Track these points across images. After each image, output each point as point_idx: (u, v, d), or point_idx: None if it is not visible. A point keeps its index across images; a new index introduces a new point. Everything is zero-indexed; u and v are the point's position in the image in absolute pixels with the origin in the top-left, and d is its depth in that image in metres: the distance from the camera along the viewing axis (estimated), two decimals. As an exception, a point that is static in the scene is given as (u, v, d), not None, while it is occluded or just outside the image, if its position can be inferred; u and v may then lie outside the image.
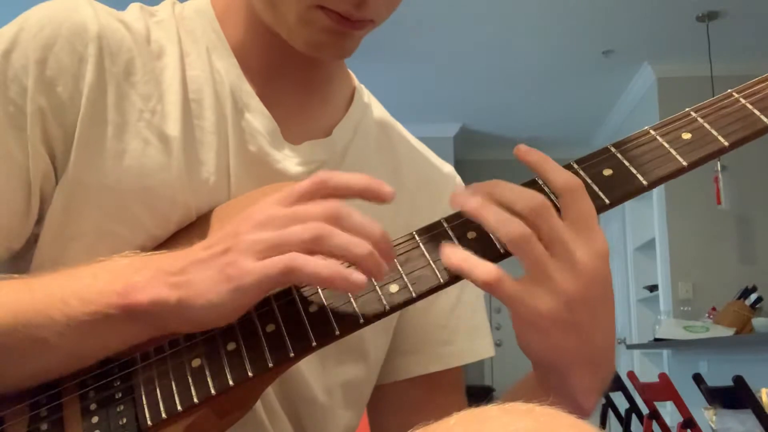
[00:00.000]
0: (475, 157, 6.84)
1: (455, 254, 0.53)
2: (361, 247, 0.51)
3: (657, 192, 5.00)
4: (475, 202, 0.53)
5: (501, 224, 0.52)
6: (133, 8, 0.69)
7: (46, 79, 0.61)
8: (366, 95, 0.78)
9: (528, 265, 0.52)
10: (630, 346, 5.46)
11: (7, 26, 0.64)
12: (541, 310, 0.51)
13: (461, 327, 0.77)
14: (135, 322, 0.53)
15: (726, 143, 0.55)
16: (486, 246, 0.54)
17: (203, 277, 0.52)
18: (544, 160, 0.55)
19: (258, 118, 0.67)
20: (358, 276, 0.51)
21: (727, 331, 4.03)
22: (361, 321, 0.54)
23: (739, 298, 4.31)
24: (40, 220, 0.63)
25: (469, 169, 6.56)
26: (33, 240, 0.63)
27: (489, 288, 0.52)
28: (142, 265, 0.55)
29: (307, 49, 0.64)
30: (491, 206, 0.53)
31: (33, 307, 0.54)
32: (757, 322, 3.82)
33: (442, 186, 0.81)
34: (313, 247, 0.51)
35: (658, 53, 4.95)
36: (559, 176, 0.54)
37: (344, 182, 0.55)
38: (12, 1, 4.02)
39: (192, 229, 0.64)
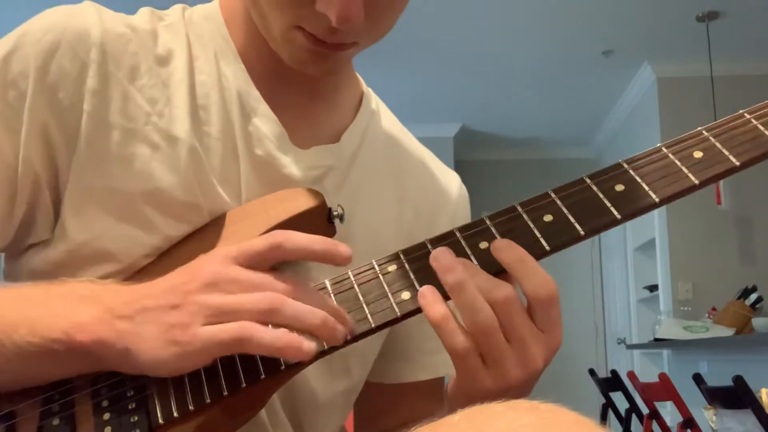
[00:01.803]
0: (475, 157, 6.84)
1: (437, 308, 0.53)
2: (314, 316, 0.52)
3: (657, 192, 4.99)
4: (456, 277, 0.53)
5: (471, 309, 0.52)
6: (143, 12, 0.69)
7: (47, 85, 0.61)
8: (374, 101, 0.78)
9: (486, 351, 0.52)
10: (630, 346, 5.46)
11: (13, 31, 0.64)
12: (485, 388, 0.52)
13: None
14: (77, 359, 0.54)
15: (737, 163, 0.56)
16: (495, 260, 0.55)
17: (150, 332, 0.52)
18: (518, 262, 0.53)
19: (265, 123, 0.67)
20: (309, 344, 0.51)
21: (727, 331, 4.03)
22: (372, 327, 0.55)
23: (739, 298, 4.31)
24: (31, 224, 0.63)
25: (469, 169, 6.57)
26: (43, 243, 0.64)
27: (454, 357, 0.53)
28: (94, 299, 0.55)
29: (292, 64, 0.65)
30: (469, 287, 0.52)
31: None
32: (757, 322, 3.82)
33: (446, 197, 0.80)
34: (267, 318, 0.52)
35: (658, 53, 4.95)
36: (533, 285, 0.53)
37: (301, 246, 0.55)
38: (15, 4, 4.02)
39: (207, 230, 0.64)
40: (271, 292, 0.53)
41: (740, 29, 4.56)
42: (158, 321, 0.52)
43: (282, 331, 0.52)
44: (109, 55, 0.63)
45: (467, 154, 6.72)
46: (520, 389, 0.53)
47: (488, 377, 0.52)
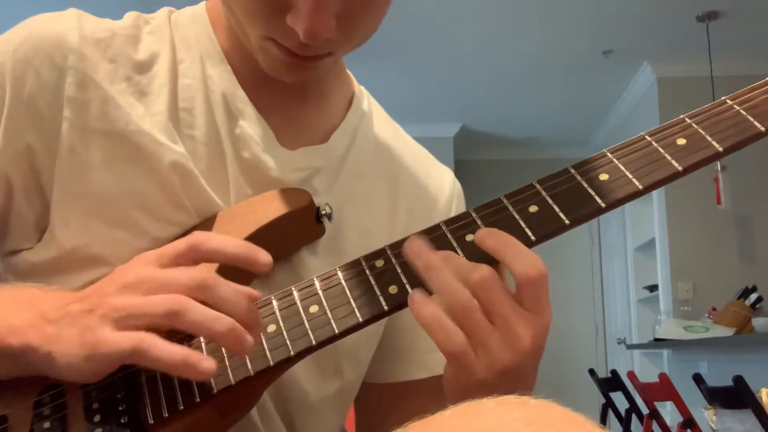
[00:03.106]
0: (475, 157, 6.84)
1: (426, 307, 0.52)
2: (219, 323, 0.50)
3: (657, 192, 5.00)
4: (426, 260, 0.52)
5: (447, 290, 0.51)
6: (128, 17, 0.69)
7: (26, 95, 0.61)
8: (366, 101, 0.78)
9: (469, 334, 0.51)
10: (630, 346, 5.46)
11: None
12: (477, 377, 0.51)
13: None
14: (8, 361, 0.54)
15: (720, 148, 0.56)
16: (482, 251, 0.55)
17: (68, 336, 0.52)
18: (505, 245, 0.53)
19: (252, 125, 0.67)
20: (207, 364, 0.50)
21: (727, 331, 4.03)
22: (360, 321, 0.55)
23: (739, 298, 4.32)
24: (5, 232, 0.63)
25: (469, 169, 6.57)
26: (32, 249, 0.64)
27: (449, 357, 0.52)
28: (31, 304, 0.55)
29: (269, 73, 0.65)
30: (443, 270, 0.52)
31: None
32: (757, 322, 3.83)
33: (439, 194, 0.80)
34: (168, 322, 0.51)
35: (658, 53, 4.95)
36: (520, 266, 0.52)
37: (217, 247, 0.54)
38: (15, 4, 4.02)
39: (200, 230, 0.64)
40: (176, 295, 0.51)
41: (740, 29, 4.56)
42: (77, 324, 0.52)
43: (182, 348, 0.50)
44: (87, 60, 0.63)
45: (467, 154, 6.72)
46: (515, 375, 0.52)
47: (478, 365, 0.51)
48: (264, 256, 0.54)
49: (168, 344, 0.50)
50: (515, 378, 0.52)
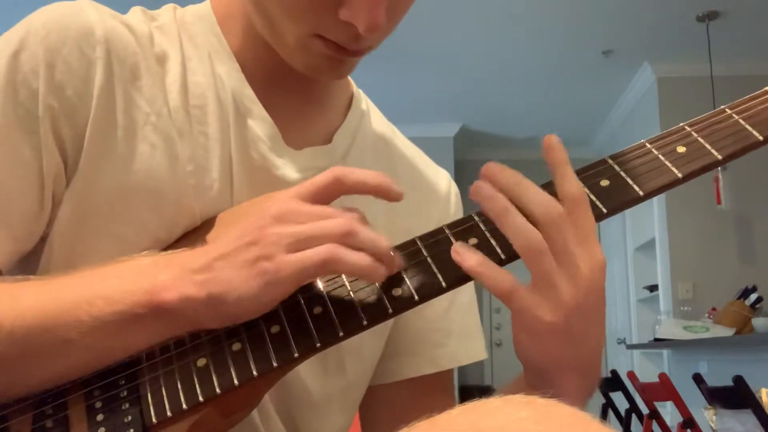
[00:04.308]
0: (475, 157, 6.84)
1: (471, 257, 0.54)
2: (382, 242, 0.54)
3: (657, 192, 5.00)
4: (498, 204, 0.54)
5: (519, 232, 0.53)
6: (135, 12, 0.69)
7: (56, 82, 0.61)
8: (364, 102, 0.78)
9: (537, 275, 0.53)
10: (630, 346, 5.46)
11: (12, 30, 0.64)
12: (544, 319, 0.53)
13: (454, 329, 0.78)
14: (162, 321, 0.54)
15: (719, 156, 0.57)
16: (487, 253, 0.55)
17: (232, 272, 0.52)
18: (564, 163, 0.56)
19: (260, 124, 0.67)
20: (383, 269, 0.53)
21: (727, 331, 4.03)
22: (365, 323, 0.55)
23: (739, 298, 4.32)
24: (49, 222, 0.63)
25: (469, 169, 6.57)
26: (39, 241, 0.63)
27: (502, 297, 0.53)
28: (165, 263, 0.56)
29: (305, 71, 0.65)
30: (512, 210, 0.54)
31: (58, 308, 0.54)
32: (757, 322, 3.83)
33: (436, 194, 0.81)
34: (344, 241, 0.53)
35: (658, 53, 4.95)
36: (570, 186, 0.55)
37: (360, 179, 0.56)
38: (13, 1, 4.02)
39: (197, 233, 0.64)
40: (342, 218, 0.54)
41: (740, 29, 4.56)
42: (239, 260, 0.53)
43: (363, 254, 0.53)
44: (113, 54, 0.63)
45: (467, 154, 6.73)
46: (582, 315, 0.53)
47: (542, 307, 0.53)
48: (397, 187, 0.57)
49: (353, 251, 0.53)
50: (583, 319, 0.53)
